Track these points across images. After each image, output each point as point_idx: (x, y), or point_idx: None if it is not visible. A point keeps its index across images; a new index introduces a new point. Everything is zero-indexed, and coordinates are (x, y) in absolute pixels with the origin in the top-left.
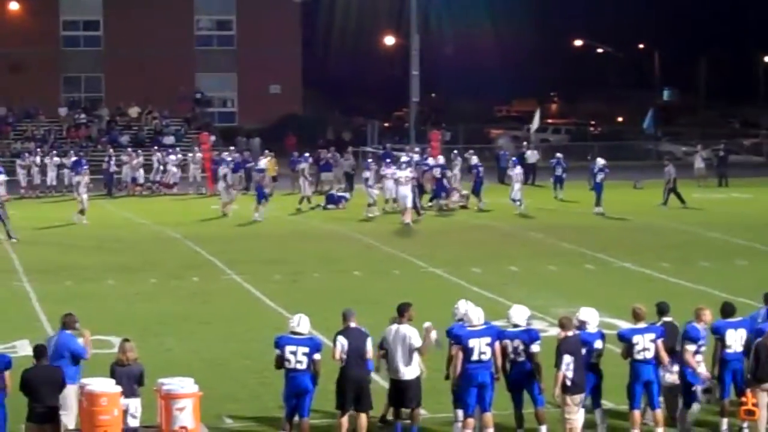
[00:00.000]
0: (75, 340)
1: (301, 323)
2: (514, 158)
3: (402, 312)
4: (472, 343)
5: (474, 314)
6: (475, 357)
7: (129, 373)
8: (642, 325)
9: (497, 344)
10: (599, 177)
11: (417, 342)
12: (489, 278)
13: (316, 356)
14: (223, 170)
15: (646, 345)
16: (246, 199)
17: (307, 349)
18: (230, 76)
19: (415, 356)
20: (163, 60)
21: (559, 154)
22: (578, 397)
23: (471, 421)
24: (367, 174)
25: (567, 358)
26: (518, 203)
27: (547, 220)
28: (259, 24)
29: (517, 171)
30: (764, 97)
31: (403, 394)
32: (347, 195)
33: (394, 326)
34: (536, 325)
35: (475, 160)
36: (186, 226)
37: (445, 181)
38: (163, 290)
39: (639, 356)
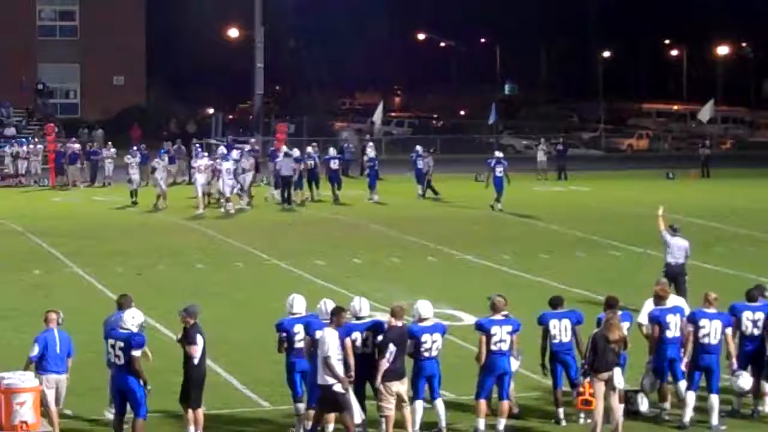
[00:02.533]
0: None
1: (135, 317)
2: (225, 152)
3: (331, 315)
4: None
5: (298, 303)
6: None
7: None
8: (500, 317)
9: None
10: (498, 170)
11: (330, 352)
12: (332, 270)
13: (135, 353)
14: (155, 163)
15: (503, 337)
16: (89, 191)
17: (122, 344)
18: (73, 67)
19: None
20: (4, 50)
21: (419, 147)
22: (394, 385)
23: (309, 413)
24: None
25: (392, 347)
26: (229, 203)
27: (390, 213)
28: (102, 14)
29: (226, 166)
30: (602, 93)
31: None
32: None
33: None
34: (378, 317)
35: (371, 153)
36: (27, 219)
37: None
38: (3, 283)
39: (495, 347)
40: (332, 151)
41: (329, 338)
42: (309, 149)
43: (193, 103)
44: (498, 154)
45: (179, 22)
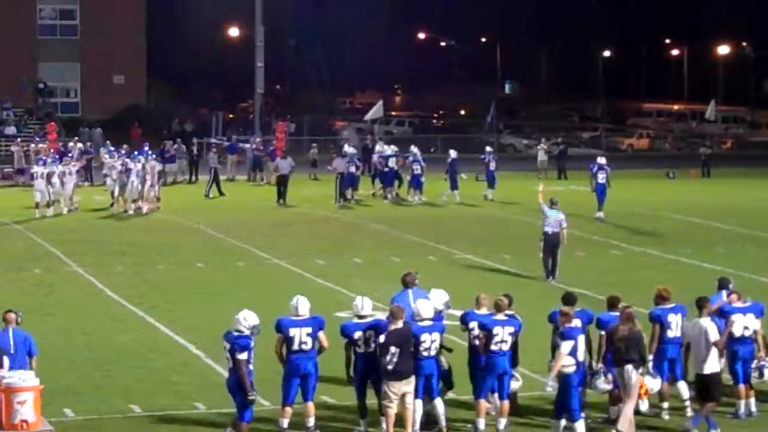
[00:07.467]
0: (424, 294)
1: (247, 318)
2: (136, 153)
3: (701, 306)
4: (293, 332)
5: (302, 305)
6: (295, 347)
7: None
8: (502, 317)
9: (321, 333)
10: (600, 176)
11: (713, 336)
12: (332, 269)
13: (240, 356)
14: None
15: (504, 337)
16: (91, 190)
17: (229, 346)
18: (73, 66)
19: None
20: (5, 49)
21: (488, 148)
22: (395, 385)
23: (289, 409)
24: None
25: (393, 349)
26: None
27: (390, 213)
28: (102, 13)
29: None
30: (604, 92)
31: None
32: None
33: (694, 320)
34: (378, 316)
35: (418, 152)
36: (27, 217)
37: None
38: (4, 282)
39: (495, 347)
40: (386, 149)
41: (710, 327)
42: (414, 149)
43: (193, 103)
44: (601, 160)
45: (179, 21)
